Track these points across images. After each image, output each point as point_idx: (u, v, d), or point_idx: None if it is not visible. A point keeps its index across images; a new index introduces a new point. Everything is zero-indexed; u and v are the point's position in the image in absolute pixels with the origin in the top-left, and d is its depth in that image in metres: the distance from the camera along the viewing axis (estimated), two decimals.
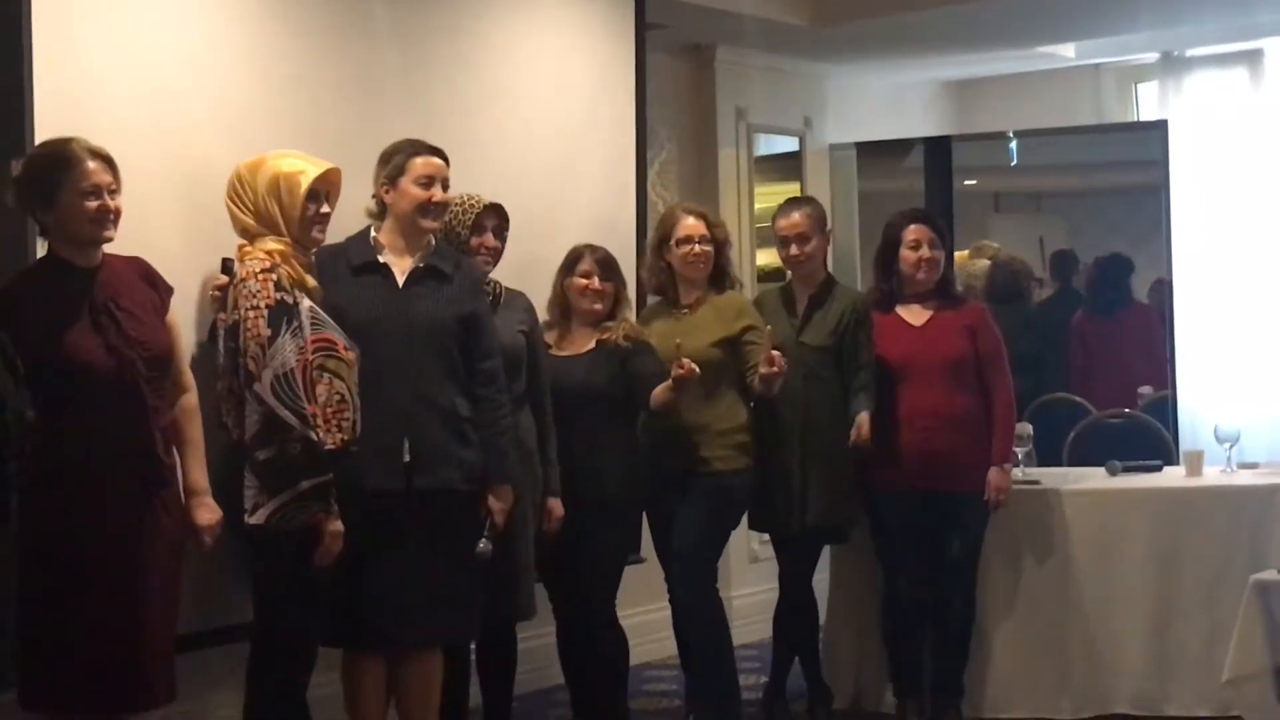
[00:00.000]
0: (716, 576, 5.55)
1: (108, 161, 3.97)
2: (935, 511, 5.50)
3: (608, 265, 5.38)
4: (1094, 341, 8.54)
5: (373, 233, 4.78)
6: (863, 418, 5.40)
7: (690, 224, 5.52)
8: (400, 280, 4.69)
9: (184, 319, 4.42)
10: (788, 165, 8.20)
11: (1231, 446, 5.99)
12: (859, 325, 5.55)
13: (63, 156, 3.93)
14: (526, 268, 5.37)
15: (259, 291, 4.25)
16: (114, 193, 3.96)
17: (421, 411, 4.60)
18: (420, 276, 4.70)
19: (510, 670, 5.30)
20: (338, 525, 4.28)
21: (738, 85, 7.66)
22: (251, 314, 4.23)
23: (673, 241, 5.52)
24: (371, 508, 4.45)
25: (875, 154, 8.48)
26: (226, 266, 4.48)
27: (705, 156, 7.57)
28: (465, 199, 5.05)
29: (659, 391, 5.18)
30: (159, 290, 4.13)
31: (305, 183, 4.42)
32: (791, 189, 7.98)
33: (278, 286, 4.27)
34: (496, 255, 5.11)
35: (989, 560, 5.66)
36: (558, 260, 5.45)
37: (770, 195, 7.88)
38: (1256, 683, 4.72)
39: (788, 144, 8.13)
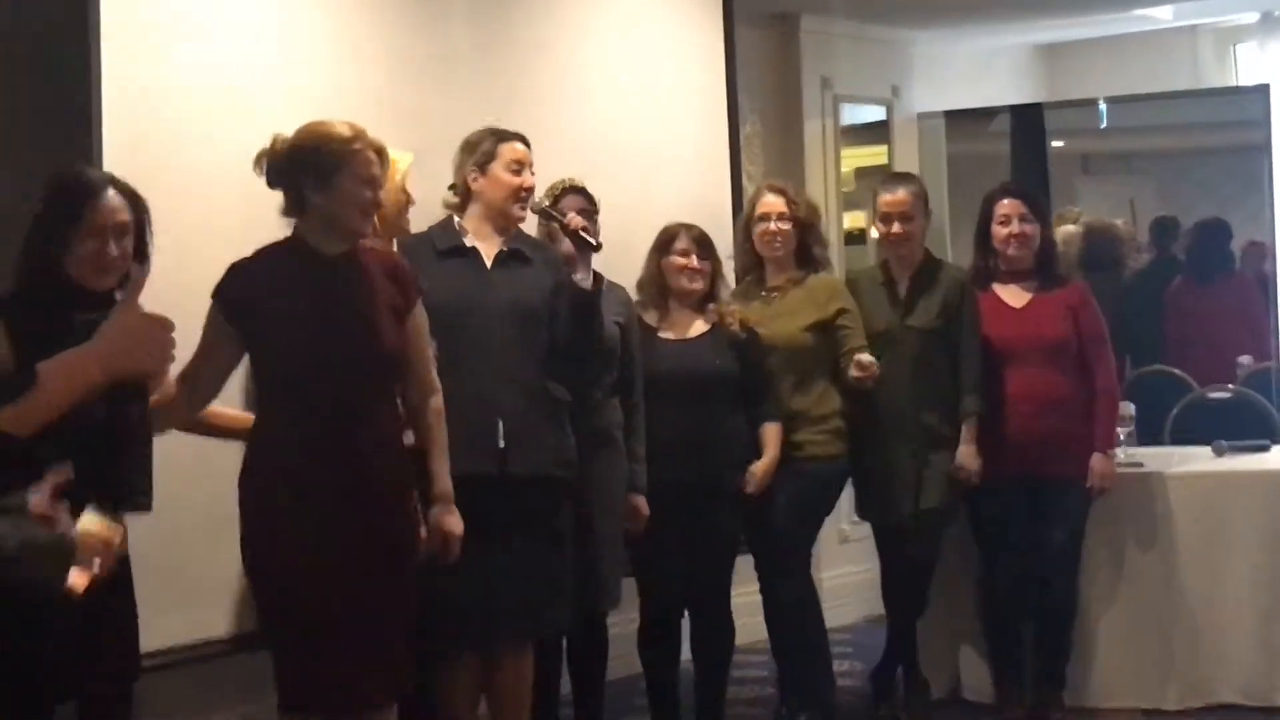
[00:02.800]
0: (810, 563, 5.41)
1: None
2: (1036, 497, 5.34)
3: (704, 243, 5.24)
4: (1192, 311, 8.32)
5: (456, 220, 4.66)
6: (967, 453, 5.28)
7: (769, 201, 5.40)
8: (488, 263, 4.57)
9: None
10: (875, 133, 8.03)
11: None
12: (965, 307, 5.35)
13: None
14: (618, 249, 5.18)
15: None
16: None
17: (513, 395, 4.47)
18: (505, 259, 4.59)
19: (602, 661, 5.20)
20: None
21: (823, 54, 7.46)
22: None
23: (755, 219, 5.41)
24: (462, 495, 4.23)
25: (964, 121, 8.29)
26: None
27: (791, 128, 7.38)
28: (556, 181, 4.98)
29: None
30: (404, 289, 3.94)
31: (401, 171, 4.31)
32: (878, 152, 7.83)
33: None
34: None
35: (1091, 546, 5.49)
36: (650, 241, 5.32)
37: (857, 157, 7.74)
38: None
39: (875, 113, 7.94)
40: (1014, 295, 5.44)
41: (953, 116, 8.18)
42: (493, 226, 4.62)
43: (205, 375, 3.80)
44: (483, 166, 4.61)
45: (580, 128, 5.62)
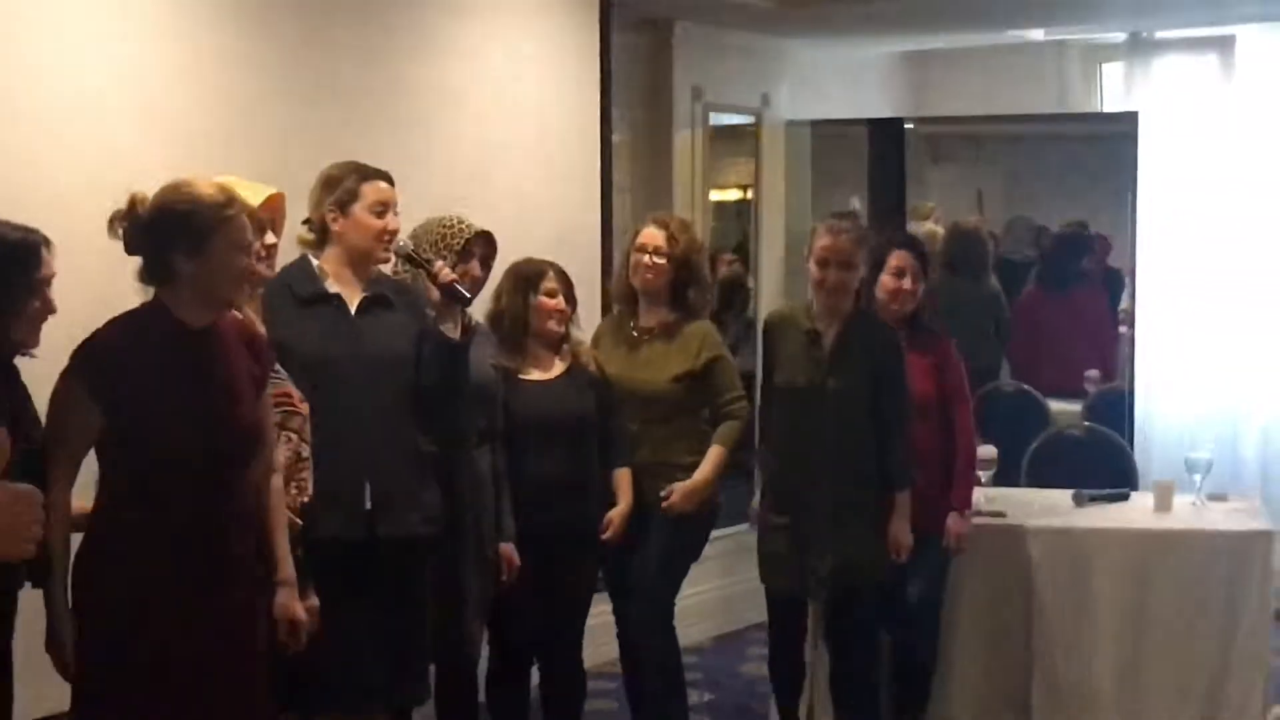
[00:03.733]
0: (673, 614, 5.30)
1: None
2: None
3: (568, 282, 5.08)
4: (1044, 320, 8.36)
5: (314, 260, 4.39)
6: (902, 534, 5.03)
7: (648, 233, 5.23)
8: (352, 310, 4.33)
9: None
10: (743, 139, 7.91)
11: (1203, 478, 5.80)
12: (896, 372, 5.06)
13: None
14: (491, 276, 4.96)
15: None
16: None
17: (381, 453, 4.24)
18: (369, 305, 4.34)
19: (472, 710, 5.03)
20: (311, 601, 3.89)
21: (695, 62, 7.27)
22: None
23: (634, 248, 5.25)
24: (325, 558, 4.04)
25: (830, 130, 8.20)
26: None
27: (660, 138, 7.21)
28: (455, 222, 4.71)
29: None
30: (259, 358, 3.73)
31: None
32: (746, 166, 7.73)
33: None
34: (479, 286, 4.78)
35: (952, 599, 5.43)
36: None
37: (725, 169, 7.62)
38: None
39: (743, 121, 7.82)
40: None
41: (819, 125, 8.08)
42: (353, 270, 4.35)
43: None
44: (344, 206, 4.33)
45: (450, 147, 5.46)
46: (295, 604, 3.76)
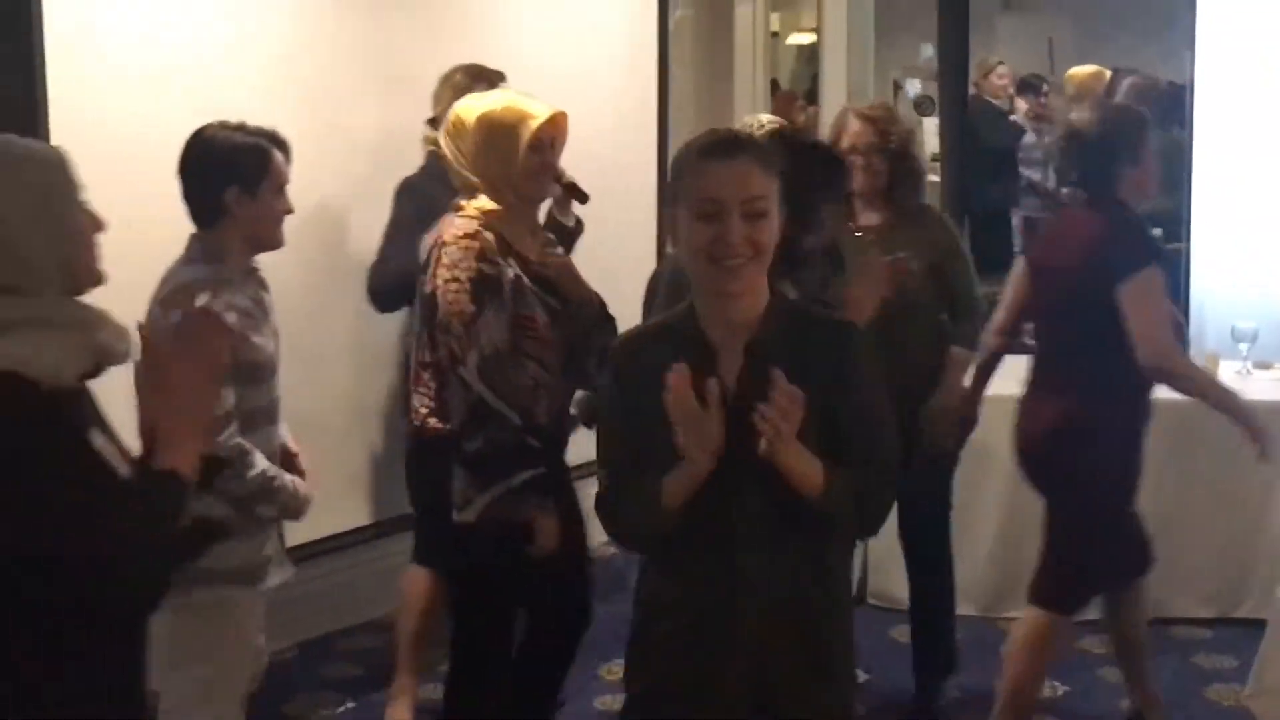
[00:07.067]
0: None
1: None
2: None
3: None
4: None
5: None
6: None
7: (856, 130, 4.80)
8: None
9: None
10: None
11: (1249, 346, 5.95)
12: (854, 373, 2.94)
13: None
14: None
15: (459, 261, 3.81)
16: None
17: None
18: None
19: None
20: (553, 521, 3.90)
21: None
22: (452, 286, 3.80)
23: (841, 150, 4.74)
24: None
25: None
26: None
27: (720, 12, 7.25)
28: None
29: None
30: None
31: (527, 133, 3.87)
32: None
33: (480, 256, 3.82)
34: None
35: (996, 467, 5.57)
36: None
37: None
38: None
39: None
40: None
41: None
42: None
43: None
44: None
45: (501, 39, 5.63)
46: None
